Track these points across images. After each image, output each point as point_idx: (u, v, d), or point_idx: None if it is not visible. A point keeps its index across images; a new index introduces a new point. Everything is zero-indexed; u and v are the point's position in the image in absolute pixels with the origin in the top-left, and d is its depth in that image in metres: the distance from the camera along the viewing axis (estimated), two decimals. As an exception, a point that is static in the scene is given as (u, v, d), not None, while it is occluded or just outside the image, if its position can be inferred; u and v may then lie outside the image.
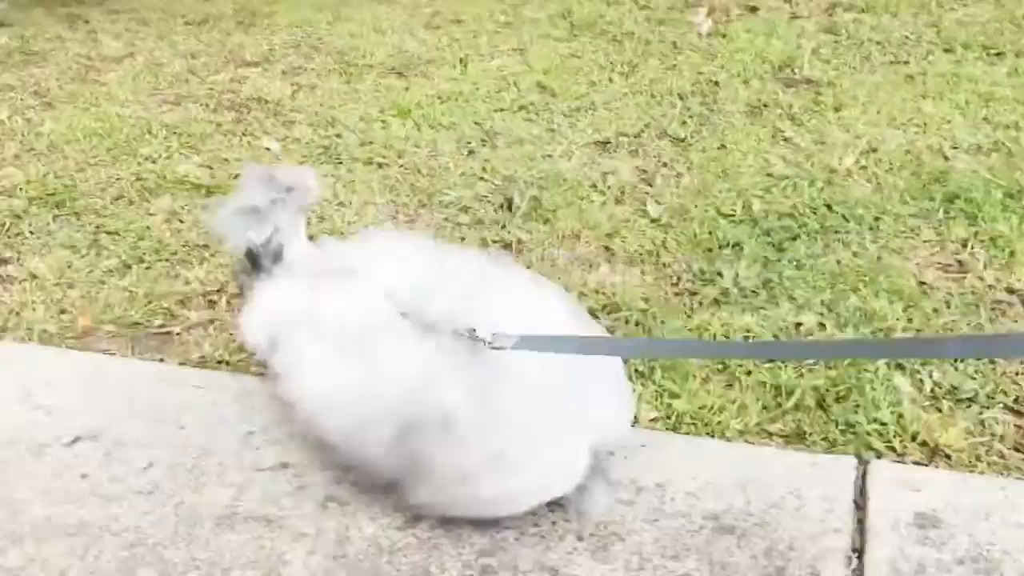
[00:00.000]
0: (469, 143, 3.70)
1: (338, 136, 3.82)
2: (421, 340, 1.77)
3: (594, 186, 3.27)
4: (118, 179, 3.60)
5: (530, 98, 4.05)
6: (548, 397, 1.74)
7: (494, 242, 2.98)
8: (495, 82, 4.24)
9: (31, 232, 3.21)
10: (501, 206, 3.20)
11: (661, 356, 2.38)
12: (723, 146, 3.51)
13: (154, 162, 3.72)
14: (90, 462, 2.15)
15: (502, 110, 3.96)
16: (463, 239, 3.00)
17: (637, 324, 2.53)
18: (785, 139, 3.53)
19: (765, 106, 3.81)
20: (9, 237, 3.20)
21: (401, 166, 3.56)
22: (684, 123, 3.75)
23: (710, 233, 2.93)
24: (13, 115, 4.22)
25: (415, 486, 1.81)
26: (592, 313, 2.42)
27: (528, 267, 2.84)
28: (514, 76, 4.30)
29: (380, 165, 3.56)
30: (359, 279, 1.91)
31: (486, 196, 3.28)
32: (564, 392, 1.75)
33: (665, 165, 3.43)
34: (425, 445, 1.75)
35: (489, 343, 1.68)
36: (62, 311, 2.77)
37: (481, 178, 3.41)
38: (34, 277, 2.92)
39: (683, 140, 3.60)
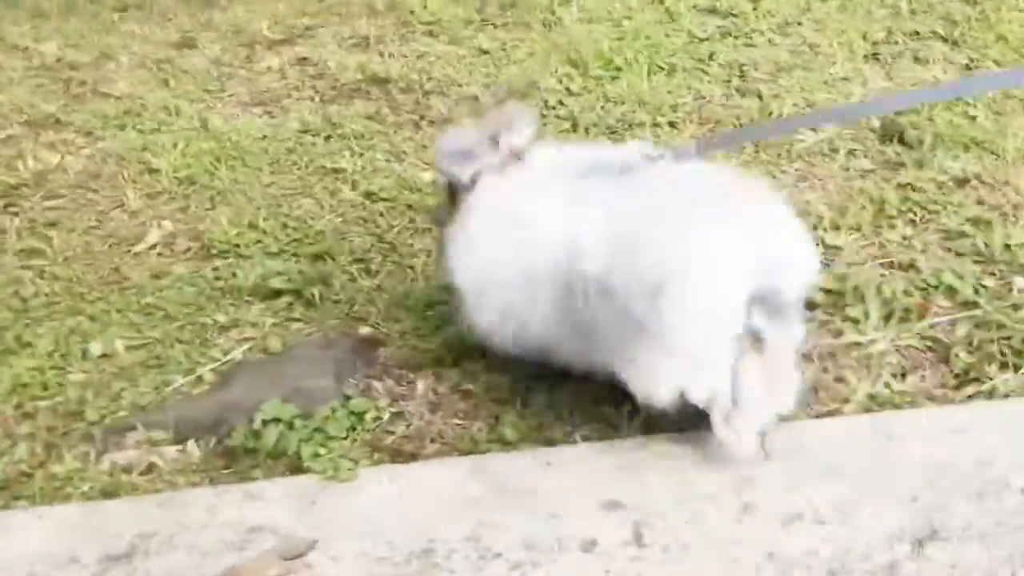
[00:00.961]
0: (727, 81, 3.20)
1: (561, 103, 3.16)
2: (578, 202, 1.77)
3: (968, 103, 2.91)
4: (353, 205, 2.76)
5: (714, 23, 3.61)
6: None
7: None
8: (650, 14, 3.69)
9: (373, 300, 2.35)
10: (889, 138, 2.77)
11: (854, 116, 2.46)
12: None
13: (367, 178, 2.87)
14: None
15: (703, 40, 3.50)
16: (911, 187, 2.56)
17: None
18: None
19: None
20: (337, 304, 2.32)
21: (691, 121, 2.99)
22: (919, 19, 3.45)
23: None
24: (67, 155, 3.11)
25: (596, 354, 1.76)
26: None
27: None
28: (653, 2, 3.78)
29: (671, 124, 2.97)
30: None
31: (849, 133, 2.83)
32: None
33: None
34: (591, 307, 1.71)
35: (670, 157, 1.75)
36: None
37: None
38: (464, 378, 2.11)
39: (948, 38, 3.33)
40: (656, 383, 1.72)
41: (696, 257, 1.65)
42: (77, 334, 2.32)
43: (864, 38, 3.39)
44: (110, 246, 2.67)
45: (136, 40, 3.97)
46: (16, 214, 2.84)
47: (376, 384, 2.10)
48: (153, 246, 2.66)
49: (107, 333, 2.31)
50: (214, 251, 2.58)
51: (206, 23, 4.10)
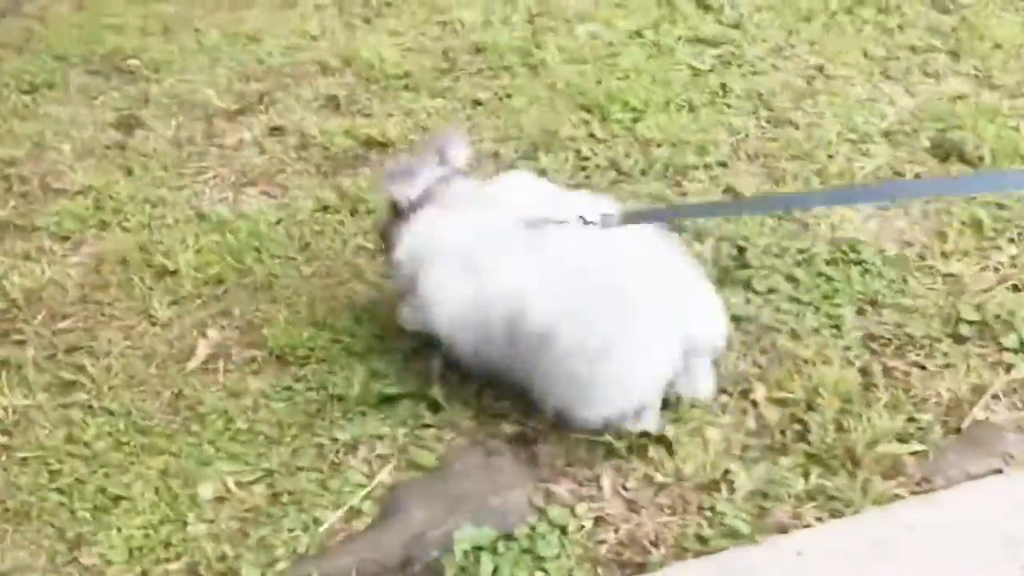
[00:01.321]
0: (754, 113, 3.22)
1: (594, 152, 3.09)
2: (530, 254, 1.99)
3: (1004, 114, 3.02)
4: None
5: (710, 54, 3.62)
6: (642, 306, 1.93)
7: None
8: (637, 49, 3.68)
9: (501, 393, 2.21)
10: (947, 156, 2.84)
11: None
12: None
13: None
14: None
15: (708, 72, 3.52)
16: (997, 205, 2.62)
17: None
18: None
19: None
20: (466, 404, 2.18)
21: (739, 159, 3.00)
22: (908, 33, 3.58)
23: None
24: (52, 265, 2.83)
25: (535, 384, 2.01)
26: None
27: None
28: (634, 37, 3.77)
29: (722, 164, 2.97)
30: (492, 205, 2.14)
31: (904, 156, 2.89)
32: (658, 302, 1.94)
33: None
34: (533, 353, 1.96)
35: (597, 223, 1.94)
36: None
37: (863, 141, 2.98)
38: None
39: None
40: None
41: (634, 332, 1.90)
42: (173, 477, 2.07)
43: (865, 56, 3.45)
44: (157, 366, 2.41)
45: (66, 124, 3.63)
46: (23, 343, 2.52)
47: (555, 488, 1.96)
48: (208, 360, 2.41)
49: (210, 471, 2.08)
50: (290, 359, 2.36)
51: (141, 98, 3.80)
